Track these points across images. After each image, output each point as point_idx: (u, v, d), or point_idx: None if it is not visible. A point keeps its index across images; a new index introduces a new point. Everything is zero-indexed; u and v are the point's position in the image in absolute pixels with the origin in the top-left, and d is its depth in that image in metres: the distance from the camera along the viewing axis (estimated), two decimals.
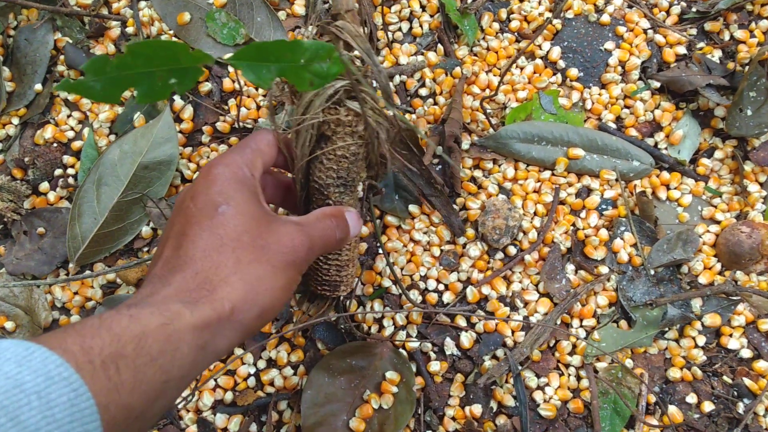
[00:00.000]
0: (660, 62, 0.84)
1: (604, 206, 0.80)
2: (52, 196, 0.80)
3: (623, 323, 0.76)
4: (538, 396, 0.73)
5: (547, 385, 0.74)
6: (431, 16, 0.86)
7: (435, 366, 0.74)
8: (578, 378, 0.75)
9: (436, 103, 0.83)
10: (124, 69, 0.41)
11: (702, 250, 0.78)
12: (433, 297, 0.76)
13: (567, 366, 0.75)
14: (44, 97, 0.83)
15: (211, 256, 0.49)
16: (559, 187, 0.80)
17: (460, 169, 0.79)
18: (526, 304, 0.76)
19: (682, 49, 0.84)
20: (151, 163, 0.77)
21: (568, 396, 0.73)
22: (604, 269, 0.77)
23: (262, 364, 0.76)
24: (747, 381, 0.73)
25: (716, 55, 0.84)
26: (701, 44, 0.84)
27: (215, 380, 0.75)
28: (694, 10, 0.85)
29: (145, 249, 0.79)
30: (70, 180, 0.81)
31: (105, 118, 0.82)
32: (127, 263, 0.75)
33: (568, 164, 0.79)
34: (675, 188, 0.80)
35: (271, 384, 0.75)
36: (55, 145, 0.82)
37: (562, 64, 0.84)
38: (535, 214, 0.79)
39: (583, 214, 0.80)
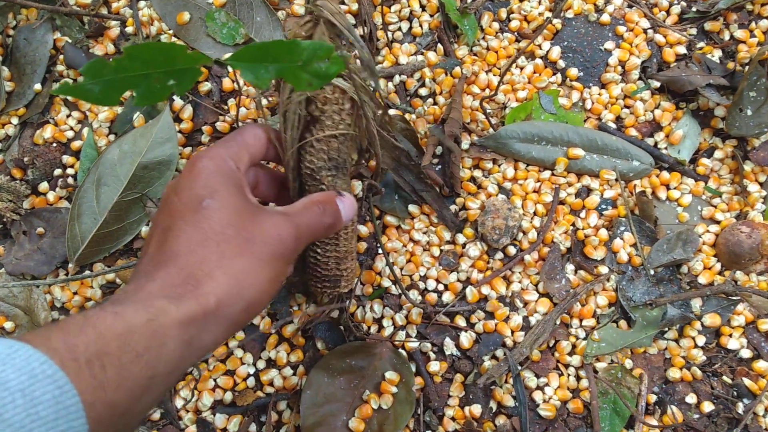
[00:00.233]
0: (660, 62, 0.84)
1: (603, 206, 0.80)
2: (51, 196, 0.80)
3: (623, 323, 0.76)
4: (537, 396, 0.73)
5: (547, 385, 0.74)
6: (431, 15, 0.86)
7: (434, 366, 0.74)
8: (578, 378, 0.75)
9: (435, 103, 0.83)
10: (122, 71, 0.41)
11: (702, 250, 0.78)
12: (432, 297, 0.76)
13: (566, 366, 0.75)
14: (43, 96, 0.83)
15: (195, 250, 0.49)
16: (558, 187, 0.80)
17: (459, 168, 0.78)
18: (525, 304, 0.76)
19: (682, 49, 0.84)
20: (150, 163, 0.77)
21: (568, 396, 0.73)
22: (603, 269, 0.77)
23: (261, 364, 0.75)
24: (747, 381, 0.73)
25: (716, 54, 0.84)
26: (701, 44, 0.84)
27: (215, 380, 0.75)
28: (694, 9, 0.85)
29: (146, 240, 0.79)
30: (70, 180, 0.81)
31: (104, 117, 0.82)
32: (126, 263, 0.75)
33: (567, 164, 0.79)
34: (675, 188, 0.80)
35: (271, 384, 0.75)
36: (54, 145, 0.82)
37: (562, 63, 0.84)
38: (534, 214, 0.79)
39: (582, 214, 0.79)
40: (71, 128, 0.83)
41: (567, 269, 0.77)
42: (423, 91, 0.83)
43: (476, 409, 0.73)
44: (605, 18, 0.85)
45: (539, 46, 0.85)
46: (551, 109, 0.82)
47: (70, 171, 0.81)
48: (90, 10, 0.85)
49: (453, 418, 0.73)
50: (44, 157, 0.81)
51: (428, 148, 0.78)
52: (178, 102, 0.82)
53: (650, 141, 0.82)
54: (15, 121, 0.83)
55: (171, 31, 0.84)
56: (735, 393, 0.74)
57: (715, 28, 0.85)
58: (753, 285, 0.76)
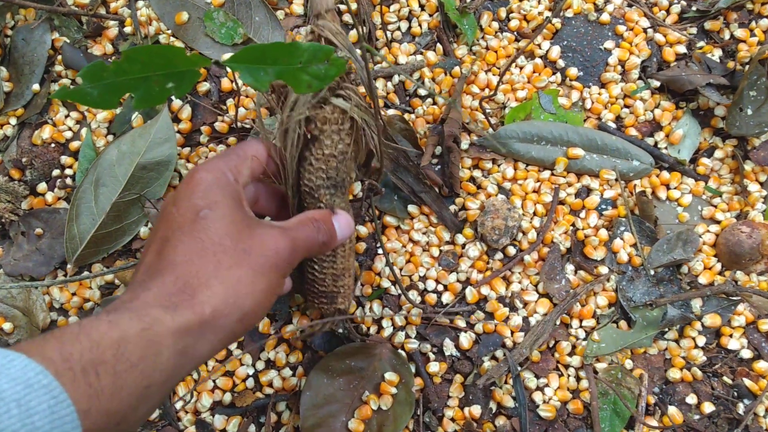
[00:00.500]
0: (660, 61, 0.84)
1: (603, 206, 0.80)
2: (50, 196, 0.80)
3: (623, 324, 0.76)
4: (537, 397, 0.73)
5: (547, 385, 0.74)
6: (430, 15, 0.86)
7: (434, 367, 0.74)
8: (578, 379, 0.74)
9: (435, 103, 0.82)
10: (121, 75, 0.41)
11: (702, 250, 0.78)
12: (432, 297, 0.76)
13: (566, 367, 0.75)
14: (42, 97, 0.83)
15: (192, 260, 0.49)
16: (558, 187, 0.79)
17: (459, 168, 0.78)
18: (525, 304, 0.76)
19: (682, 48, 0.84)
20: (149, 163, 0.76)
21: (568, 397, 0.73)
22: (603, 269, 0.77)
23: (260, 365, 0.75)
24: (747, 381, 0.73)
25: (716, 54, 0.84)
26: (701, 43, 0.84)
27: (214, 381, 0.75)
28: (694, 9, 0.85)
29: (144, 250, 0.79)
30: (68, 180, 0.81)
31: (103, 118, 0.82)
32: (125, 264, 0.75)
33: (567, 164, 0.79)
34: (675, 188, 0.80)
35: (270, 385, 0.75)
36: (52, 145, 0.82)
37: (561, 63, 0.84)
38: (534, 214, 0.79)
39: (582, 214, 0.79)
40: (69, 129, 0.82)
41: (567, 269, 0.77)
42: (422, 91, 0.83)
43: (476, 410, 0.72)
44: (605, 17, 0.85)
45: (539, 45, 0.85)
46: (551, 109, 0.81)
47: (68, 171, 0.81)
48: (88, 10, 0.85)
49: (453, 419, 0.73)
50: (42, 158, 0.81)
51: (427, 148, 0.78)
52: (176, 102, 0.81)
53: (650, 141, 0.82)
54: (13, 121, 0.83)
55: (169, 31, 0.84)
56: (735, 393, 0.74)
57: (715, 28, 0.85)
58: (753, 285, 0.76)
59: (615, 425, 0.72)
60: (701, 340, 0.75)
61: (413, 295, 0.76)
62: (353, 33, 0.84)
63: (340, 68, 0.47)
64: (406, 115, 0.80)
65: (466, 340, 0.74)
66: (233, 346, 0.75)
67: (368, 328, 0.76)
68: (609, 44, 0.84)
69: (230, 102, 0.82)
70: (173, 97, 0.81)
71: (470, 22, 0.83)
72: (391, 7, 0.86)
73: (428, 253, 0.78)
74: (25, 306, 0.77)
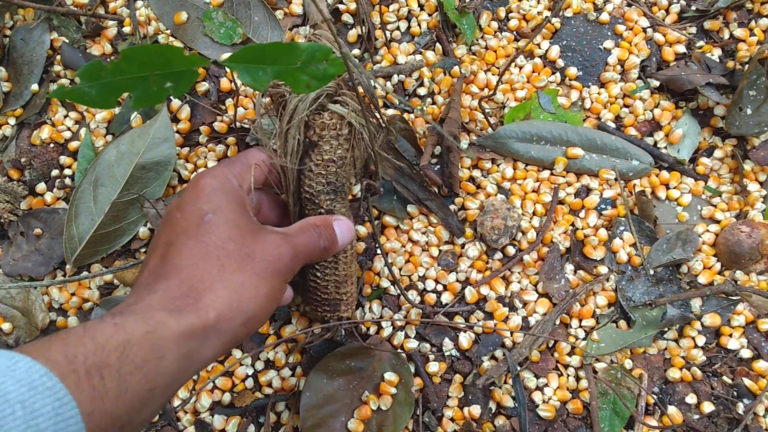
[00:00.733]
0: (659, 61, 0.84)
1: (603, 206, 0.80)
2: (49, 196, 0.80)
3: (622, 323, 0.76)
4: (537, 397, 0.73)
5: (546, 385, 0.74)
6: (429, 15, 0.86)
7: (433, 367, 0.74)
8: (577, 378, 0.74)
9: (434, 103, 0.82)
10: (119, 74, 0.41)
11: (701, 249, 0.78)
12: (431, 297, 0.76)
13: (566, 366, 0.75)
14: (41, 97, 0.83)
15: (196, 264, 0.49)
16: (558, 187, 0.79)
17: (458, 168, 0.78)
18: (525, 304, 0.76)
19: (681, 48, 0.84)
20: (148, 163, 0.76)
21: (567, 397, 0.73)
22: (603, 269, 0.77)
23: (260, 365, 0.75)
24: (747, 381, 0.73)
25: (716, 53, 0.83)
26: (701, 43, 0.84)
27: (213, 382, 0.74)
28: (693, 8, 0.85)
29: (143, 250, 0.79)
30: (67, 181, 0.81)
31: (102, 118, 0.81)
32: (124, 264, 0.75)
33: (567, 164, 0.79)
34: (674, 188, 0.80)
35: (269, 385, 0.75)
36: (51, 145, 0.82)
37: (561, 63, 0.84)
38: (534, 213, 0.79)
39: (582, 214, 0.79)
40: (68, 129, 0.82)
41: (566, 269, 0.77)
42: (422, 91, 0.83)
43: (475, 410, 0.72)
44: (604, 17, 0.85)
45: (538, 45, 0.84)
46: (550, 109, 0.81)
47: (67, 172, 0.81)
48: (87, 10, 0.84)
49: (452, 419, 0.73)
50: (41, 158, 0.81)
51: (427, 147, 0.78)
52: (175, 102, 0.81)
53: (650, 140, 0.82)
54: (12, 121, 0.83)
55: (168, 31, 0.83)
56: (735, 393, 0.73)
57: (715, 27, 0.84)
58: (753, 285, 0.76)
59: (614, 425, 0.72)
60: (701, 340, 0.75)
61: (412, 295, 0.76)
62: (352, 33, 0.84)
63: (339, 68, 0.47)
64: (405, 115, 0.80)
65: (465, 339, 0.74)
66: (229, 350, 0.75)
67: (367, 329, 0.76)
68: (608, 44, 0.84)
69: (229, 102, 0.82)
70: (172, 97, 0.81)
71: (469, 21, 0.83)
72: (390, 6, 0.86)
73: (427, 253, 0.78)
74: (24, 306, 0.77)
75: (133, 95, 0.44)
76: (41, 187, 0.80)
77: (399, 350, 0.75)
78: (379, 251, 0.77)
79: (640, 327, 0.75)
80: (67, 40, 0.84)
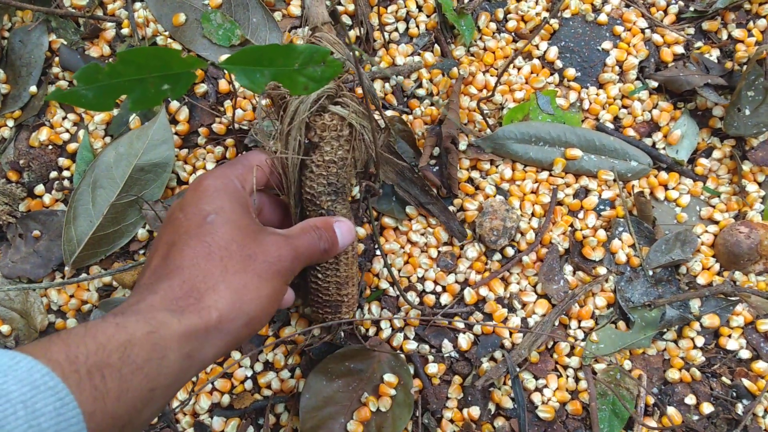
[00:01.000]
0: (658, 62, 0.84)
1: (602, 207, 0.80)
2: (47, 198, 0.80)
3: (621, 324, 0.75)
4: (536, 398, 0.73)
5: (546, 386, 0.74)
6: (428, 16, 0.86)
7: (433, 368, 0.74)
8: (576, 379, 0.74)
9: (433, 104, 0.82)
10: (116, 77, 0.41)
11: (700, 250, 0.78)
12: (430, 299, 0.76)
13: (565, 367, 0.75)
14: (39, 99, 0.83)
15: (198, 264, 0.49)
16: (556, 188, 0.79)
17: (457, 169, 0.78)
18: (524, 305, 0.76)
19: (679, 49, 0.84)
20: (146, 165, 0.76)
21: (567, 398, 0.73)
22: (602, 270, 0.76)
23: (259, 366, 0.75)
24: (746, 382, 0.73)
25: (714, 54, 0.83)
26: (699, 43, 0.84)
27: (212, 383, 0.74)
28: (691, 9, 0.85)
29: (141, 252, 0.79)
30: (66, 182, 0.81)
31: (100, 120, 0.81)
32: (123, 266, 0.75)
33: (565, 165, 0.79)
34: (673, 188, 0.80)
35: (269, 387, 0.75)
36: (50, 147, 0.82)
37: (559, 64, 0.84)
38: (532, 215, 0.79)
39: (581, 215, 0.79)
40: (67, 130, 0.82)
41: (565, 270, 0.77)
42: (420, 92, 0.83)
43: (475, 411, 0.72)
44: (602, 18, 0.85)
45: (536, 46, 0.84)
46: (549, 110, 0.81)
47: (66, 173, 0.81)
48: (85, 12, 0.84)
49: (451, 420, 0.73)
50: (40, 160, 0.81)
51: (425, 149, 0.78)
52: (174, 104, 0.81)
53: (648, 141, 0.82)
54: (10, 123, 0.83)
55: (167, 33, 0.83)
56: (734, 394, 0.73)
57: (713, 28, 0.84)
58: (752, 285, 0.76)
59: (614, 426, 0.72)
60: (700, 341, 0.75)
61: (412, 296, 0.76)
62: (351, 34, 0.84)
63: (337, 70, 0.47)
64: (404, 116, 0.80)
65: (464, 341, 0.74)
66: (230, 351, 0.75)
67: (367, 330, 0.76)
68: (607, 45, 0.84)
69: (228, 103, 0.82)
70: (170, 99, 0.81)
71: (468, 23, 0.83)
72: (388, 8, 0.86)
73: (426, 254, 0.78)
74: (22, 308, 0.77)
75: (130, 97, 0.44)
76: (40, 189, 0.80)
77: (398, 352, 0.74)
78: (378, 252, 0.77)
79: (639, 328, 0.74)
80: (65, 42, 0.84)
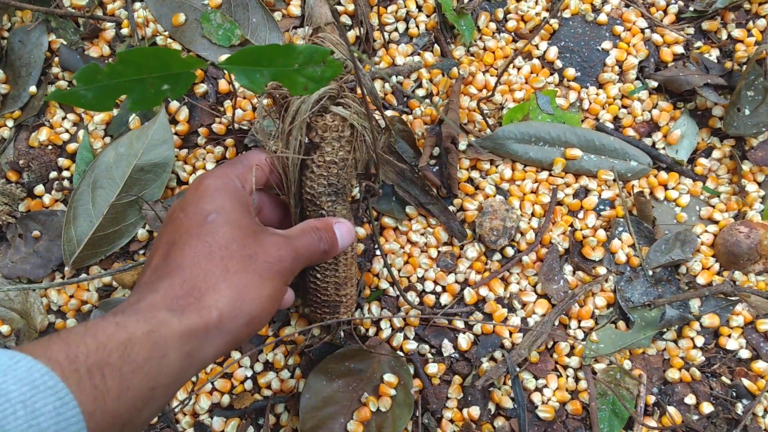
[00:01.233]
0: (657, 62, 0.84)
1: (601, 207, 0.80)
2: (47, 198, 0.80)
3: (621, 324, 0.75)
4: (536, 398, 0.73)
5: (546, 386, 0.74)
6: (428, 16, 0.86)
7: (433, 368, 0.74)
8: (576, 379, 0.74)
9: (432, 104, 0.82)
10: (116, 77, 0.41)
11: (700, 250, 0.78)
12: (430, 299, 0.76)
13: (565, 367, 0.75)
14: (39, 99, 0.83)
15: (199, 263, 0.49)
16: (556, 188, 0.79)
17: (457, 169, 0.78)
18: (523, 305, 0.76)
19: (679, 49, 0.84)
20: (146, 165, 0.76)
21: (567, 398, 0.73)
22: (602, 270, 0.76)
23: (259, 367, 0.75)
24: (746, 381, 0.73)
25: (714, 54, 0.83)
26: (699, 43, 0.84)
27: (212, 383, 0.74)
28: (691, 9, 0.85)
29: (141, 252, 0.79)
30: (66, 183, 0.81)
31: (100, 120, 0.81)
32: (123, 266, 0.75)
33: (565, 165, 0.79)
34: (673, 188, 0.80)
35: (269, 387, 0.75)
36: (50, 147, 0.82)
37: (559, 64, 0.84)
38: (532, 214, 0.79)
39: (580, 215, 0.79)
40: (67, 131, 0.82)
41: (565, 270, 0.77)
42: (420, 92, 0.83)
43: (475, 411, 0.72)
44: (602, 18, 0.85)
45: (536, 46, 0.84)
46: (548, 110, 0.81)
47: (65, 174, 0.81)
48: (85, 12, 0.84)
49: (451, 420, 0.73)
50: (40, 160, 0.81)
51: (425, 149, 0.78)
52: (174, 104, 0.81)
53: (648, 141, 0.82)
54: (10, 123, 0.83)
55: (166, 33, 0.83)
56: (734, 394, 0.73)
57: (713, 28, 0.84)
58: (751, 285, 0.76)
59: (614, 426, 0.72)
60: (700, 341, 0.75)
61: (411, 296, 0.76)
62: (350, 34, 0.84)
63: (336, 70, 0.47)
64: (404, 116, 0.80)
65: (464, 341, 0.74)
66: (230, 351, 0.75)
67: (366, 330, 0.76)
68: (606, 45, 0.84)
69: (227, 104, 0.81)
70: (170, 99, 0.81)
71: (468, 23, 0.83)
72: (388, 8, 0.86)
73: (426, 254, 0.78)
74: (22, 308, 0.77)
75: (130, 98, 0.44)
76: (39, 189, 0.80)
77: (398, 352, 0.74)
78: (378, 252, 0.77)
79: (639, 328, 0.75)
80: (65, 42, 0.84)
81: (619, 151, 0.79)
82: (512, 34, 0.86)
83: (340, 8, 0.84)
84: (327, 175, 0.61)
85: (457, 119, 0.79)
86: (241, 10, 0.83)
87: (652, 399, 0.73)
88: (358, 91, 0.61)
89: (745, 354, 0.75)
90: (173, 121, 0.81)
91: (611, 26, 0.85)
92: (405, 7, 0.85)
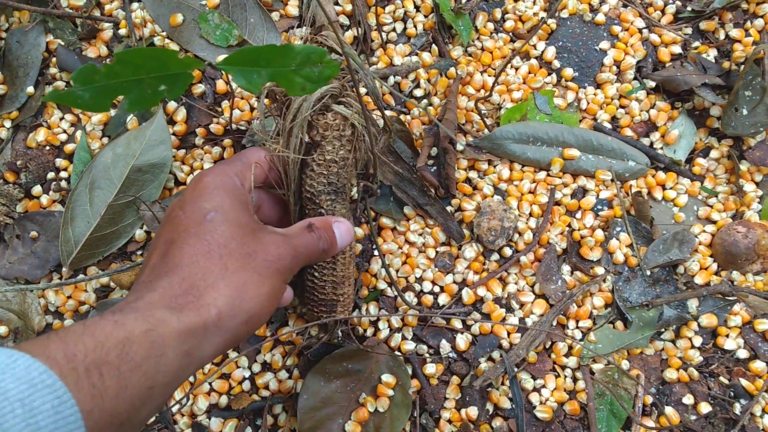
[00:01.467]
0: (655, 62, 0.84)
1: (599, 207, 0.80)
2: (44, 199, 0.80)
3: (619, 324, 0.75)
4: (534, 398, 0.73)
5: (543, 386, 0.74)
6: (425, 16, 0.86)
7: (431, 368, 0.74)
8: (574, 380, 0.74)
9: (430, 104, 0.82)
10: (113, 77, 0.41)
11: (698, 250, 0.78)
12: (428, 299, 0.76)
13: (563, 368, 0.75)
14: (36, 99, 0.83)
15: (198, 262, 0.49)
16: (554, 188, 0.79)
17: (455, 170, 0.78)
18: (521, 305, 0.76)
19: (677, 49, 0.84)
20: (144, 165, 0.76)
21: (565, 398, 0.73)
22: (599, 270, 0.76)
23: (257, 367, 0.75)
24: (743, 381, 0.73)
25: (711, 54, 0.84)
26: (696, 43, 0.84)
27: (210, 384, 0.74)
28: (689, 9, 0.85)
29: (139, 252, 0.78)
30: (63, 183, 0.80)
31: (98, 120, 0.81)
32: (120, 267, 0.75)
33: (563, 165, 0.79)
34: (671, 188, 0.80)
35: (266, 388, 0.75)
36: (47, 148, 0.82)
37: (557, 64, 0.84)
38: (530, 215, 0.79)
39: (578, 215, 0.79)
40: (64, 131, 0.82)
41: (563, 270, 0.77)
42: (418, 92, 0.83)
43: (473, 412, 0.72)
44: (600, 18, 0.85)
45: (534, 46, 0.84)
46: (546, 110, 0.81)
47: (63, 174, 0.81)
48: (83, 13, 0.84)
49: (449, 421, 0.73)
50: (37, 161, 0.80)
51: (423, 149, 0.78)
52: (171, 104, 0.81)
53: (646, 141, 0.82)
54: (8, 124, 0.83)
55: (164, 33, 0.83)
56: (732, 394, 0.74)
57: (711, 28, 0.84)
58: (749, 285, 0.76)
59: (612, 426, 0.72)
60: (698, 341, 0.75)
61: (409, 296, 0.76)
62: (348, 34, 0.83)
63: (334, 70, 0.47)
64: (402, 117, 0.80)
65: (462, 341, 0.74)
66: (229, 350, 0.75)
67: (364, 331, 0.76)
68: (604, 45, 0.84)
69: (225, 104, 0.81)
70: (167, 100, 0.81)
71: (465, 23, 0.83)
72: (386, 8, 0.86)
73: (424, 255, 0.78)
74: (20, 309, 0.77)
75: (127, 98, 0.43)
76: (37, 189, 0.80)
77: (396, 352, 0.74)
78: (376, 253, 0.77)
79: (636, 328, 0.75)
80: (62, 43, 0.84)
81: (617, 151, 0.79)
82: (510, 34, 0.86)
83: (337, 8, 0.84)
84: (327, 174, 0.61)
85: (455, 119, 0.79)
86: (239, 11, 0.83)
87: (650, 399, 0.73)
88: (360, 90, 0.61)
89: (743, 354, 0.75)
90: (171, 122, 0.81)
91: (609, 26, 0.85)
92: (403, 7, 0.85)
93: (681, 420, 0.72)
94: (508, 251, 0.77)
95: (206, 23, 0.82)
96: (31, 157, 0.80)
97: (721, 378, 0.74)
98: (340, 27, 0.61)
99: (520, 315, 0.76)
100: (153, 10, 0.84)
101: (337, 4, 0.84)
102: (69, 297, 0.77)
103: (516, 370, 0.73)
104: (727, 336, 0.75)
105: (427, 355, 0.75)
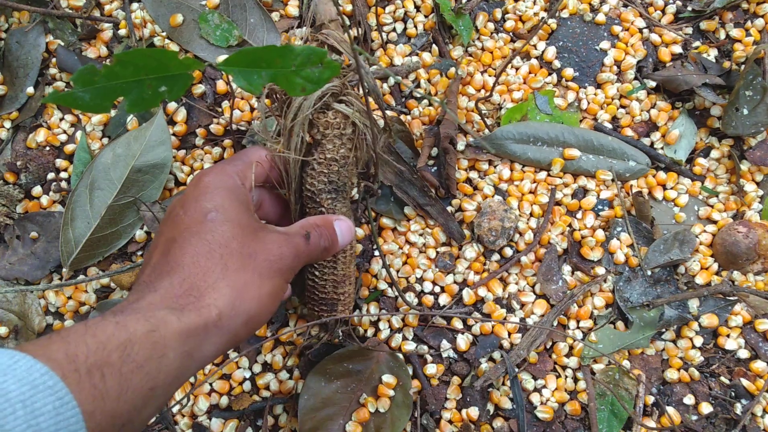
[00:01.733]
0: (656, 61, 0.84)
1: (600, 207, 0.80)
2: (44, 200, 0.80)
3: (620, 324, 0.75)
4: (535, 398, 0.73)
5: (544, 387, 0.74)
6: (426, 16, 0.86)
7: (431, 369, 0.74)
8: (575, 380, 0.74)
9: (431, 104, 0.82)
10: (113, 78, 0.41)
11: (699, 250, 0.78)
12: (429, 299, 0.76)
13: (564, 368, 0.75)
14: (36, 100, 0.83)
15: (199, 261, 0.49)
16: (555, 188, 0.79)
17: (455, 170, 0.78)
18: (522, 305, 0.76)
19: (677, 49, 0.84)
20: (144, 166, 0.76)
21: (565, 398, 0.73)
22: (600, 270, 0.76)
23: (257, 368, 0.75)
24: (744, 382, 0.73)
25: (712, 54, 0.83)
26: (697, 43, 0.84)
27: (210, 385, 0.74)
28: (689, 9, 0.85)
29: (139, 253, 0.78)
30: (63, 184, 0.80)
31: (98, 121, 0.81)
32: (121, 267, 0.75)
33: (564, 165, 0.79)
34: (671, 188, 0.80)
35: (267, 388, 0.75)
36: (47, 148, 0.82)
37: (557, 64, 0.84)
38: (531, 215, 0.79)
39: (579, 215, 0.79)
40: (64, 132, 0.82)
41: (564, 270, 0.77)
42: (418, 93, 0.83)
43: (473, 412, 0.72)
44: (600, 18, 0.85)
45: (534, 46, 0.84)
46: (547, 110, 0.81)
47: (63, 175, 0.81)
48: (82, 13, 0.84)
49: (450, 421, 0.73)
50: (37, 161, 0.80)
51: (424, 149, 0.78)
52: (171, 105, 0.81)
53: (646, 141, 0.81)
54: (8, 124, 0.83)
55: (164, 34, 0.83)
56: (733, 394, 0.73)
57: (711, 27, 0.84)
58: (750, 285, 0.76)
59: (613, 426, 0.72)
60: (698, 341, 0.75)
61: (410, 296, 0.76)
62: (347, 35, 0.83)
63: (334, 71, 0.47)
64: (402, 117, 0.80)
65: (463, 341, 0.74)
66: (230, 350, 0.75)
67: (365, 331, 0.76)
68: (605, 45, 0.84)
69: (225, 104, 0.81)
70: (167, 100, 0.81)
71: (466, 23, 0.83)
72: (386, 8, 0.85)
73: (425, 255, 0.78)
74: (20, 310, 0.77)
75: (127, 99, 0.43)
76: (37, 190, 0.80)
77: (397, 352, 0.74)
78: (376, 253, 0.77)
79: (637, 328, 0.74)
80: (62, 43, 0.84)
81: (618, 151, 0.79)
82: (510, 34, 0.86)
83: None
84: (328, 173, 0.61)
85: (456, 119, 0.79)
86: (239, 11, 0.83)
87: (650, 399, 0.73)
88: (360, 89, 0.60)
89: (743, 354, 0.75)
90: (171, 122, 0.81)
91: (609, 26, 0.85)
92: (403, 7, 0.85)
93: (682, 420, 0.72)
94: (508, 251, 0.77)
95: (206, 23, 0.82)
96: (31, 158, 0.80)
97: (722, 378, 0.74)
98: (339, 25, 0.61)
99: (520, 315, 0.76)
100: (153, 10, 0.83)
101: (336, 3, 0.84)
102: (69, 298, 0.77)
103: (517, 370, 0.73)
104: (728, 336, 0.75)
105: (427, 355, 0.75)
